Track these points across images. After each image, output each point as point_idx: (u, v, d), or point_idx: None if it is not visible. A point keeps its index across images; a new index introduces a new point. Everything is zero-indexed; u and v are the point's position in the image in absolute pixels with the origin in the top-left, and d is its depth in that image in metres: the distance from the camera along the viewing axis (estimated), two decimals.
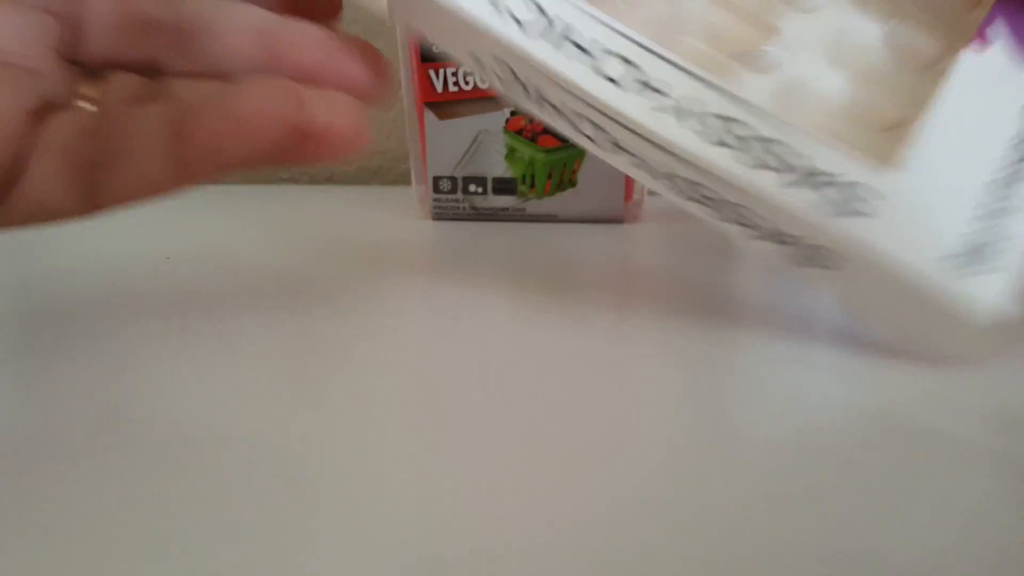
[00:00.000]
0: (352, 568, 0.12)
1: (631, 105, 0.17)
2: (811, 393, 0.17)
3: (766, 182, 0.17)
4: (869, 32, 0.19)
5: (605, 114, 0.18)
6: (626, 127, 0.18)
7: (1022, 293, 0.16)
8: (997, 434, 0.15)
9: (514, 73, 0.18)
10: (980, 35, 0.17)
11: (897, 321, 0.17)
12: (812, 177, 0.17)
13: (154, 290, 0.24)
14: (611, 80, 0.17)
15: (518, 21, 0.17)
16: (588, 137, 0.19)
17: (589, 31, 0.18)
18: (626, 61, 0.18)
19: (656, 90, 0.17)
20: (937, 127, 0.17)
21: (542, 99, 0.18)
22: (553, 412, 0.16)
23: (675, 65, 0.18)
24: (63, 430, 0.16)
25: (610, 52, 0.18)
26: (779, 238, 0.17)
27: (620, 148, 0.18)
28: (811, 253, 0.17)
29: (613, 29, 0.18)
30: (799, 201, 0.17)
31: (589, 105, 0.18)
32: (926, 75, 0.18)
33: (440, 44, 0.19)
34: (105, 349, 0.20)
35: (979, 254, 0.16)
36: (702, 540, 0.12)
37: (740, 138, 0.17)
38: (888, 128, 0.18)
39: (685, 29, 0.20)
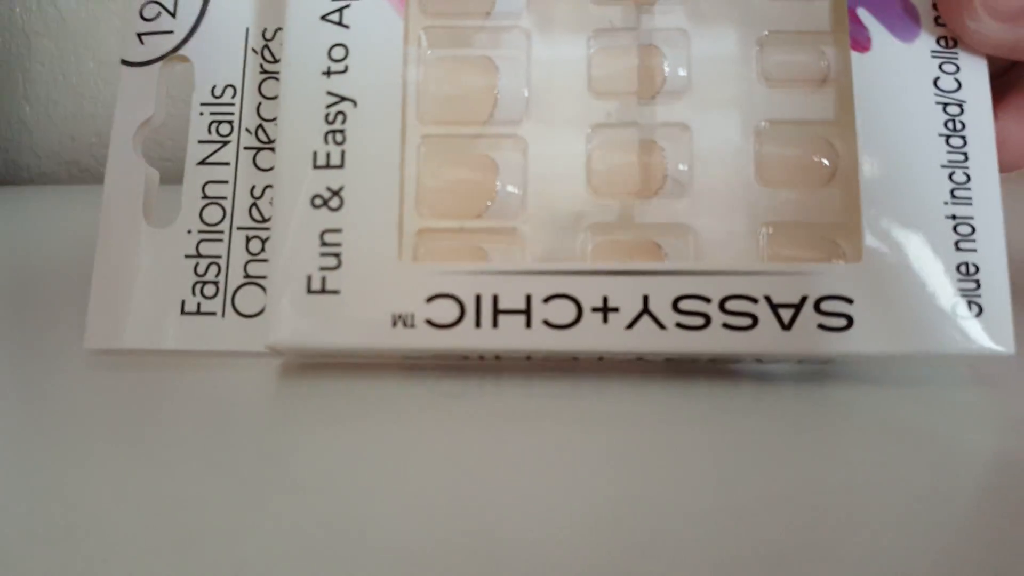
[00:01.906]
0: None
1: (590, 339, 0.16)
2: None
3: (741, 341, 0.16)
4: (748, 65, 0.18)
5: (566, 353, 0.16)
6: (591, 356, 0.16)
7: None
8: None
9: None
10: (854, 40, 0.17)
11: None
12: (777, 311, 0.16)
13: None
14: (554, 325, 0.16)
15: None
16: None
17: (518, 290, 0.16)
18: (563, 297, 0.16)
19: (604, 310, 0.16)
20: (874, 173, 0.16)
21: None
22: None
23: (581, 272, 0.16)
24: None
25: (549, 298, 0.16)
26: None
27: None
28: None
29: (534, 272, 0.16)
30: (783, 344, 0.16)
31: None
32: (825, 95, 0.17)
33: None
34: None
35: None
36: None
37: (693, 313, 0.16)
38: (828, 180, 0.17)
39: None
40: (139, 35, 0.19)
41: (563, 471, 0.14)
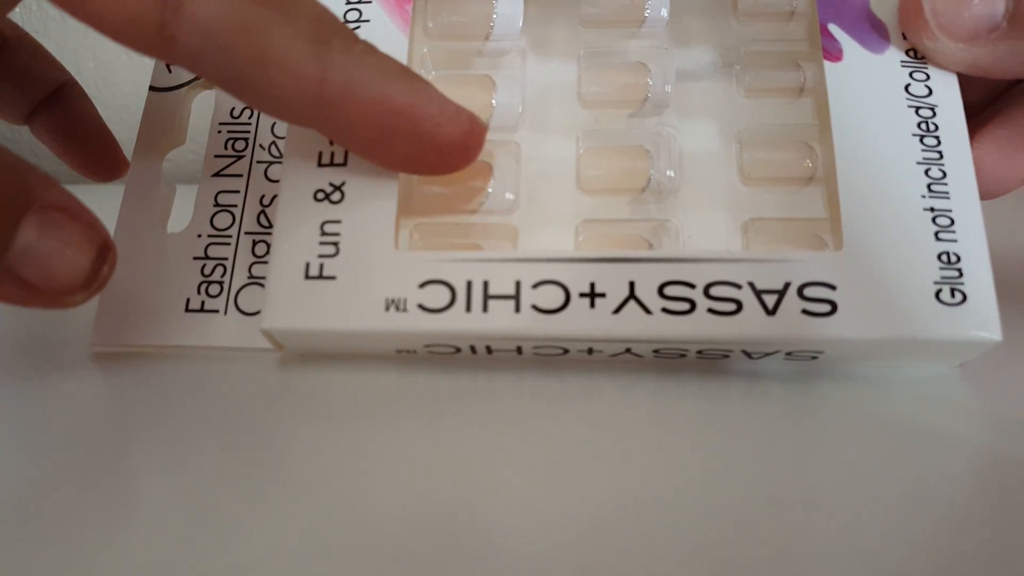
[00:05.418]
0: None
1: (574, 322, 0.16)
2: None
3: (726, 326, 0.16)
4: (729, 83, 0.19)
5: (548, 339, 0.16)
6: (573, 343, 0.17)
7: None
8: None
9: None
10: (826, 51, 0.18)
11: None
12: (761, 297, 0.16)
13: None
14: (543, 310, 0.16)
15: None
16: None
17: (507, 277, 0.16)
18: (552, 283, 0.16)
19: (591, 295, 0.16)
20: (850, 172, 0.17)
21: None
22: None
23: (567, 259, 0.16)
24: None
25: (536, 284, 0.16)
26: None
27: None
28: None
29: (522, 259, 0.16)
30: (767, 329, 0.16)
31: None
32: (801, 104, 0.18)
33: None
34: None
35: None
36: None
37: (678, 299, 0.16)
38: (807, 180, 0.18)
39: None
40: (167, 64, 0.20)
41: (553, 468, 0.14)
